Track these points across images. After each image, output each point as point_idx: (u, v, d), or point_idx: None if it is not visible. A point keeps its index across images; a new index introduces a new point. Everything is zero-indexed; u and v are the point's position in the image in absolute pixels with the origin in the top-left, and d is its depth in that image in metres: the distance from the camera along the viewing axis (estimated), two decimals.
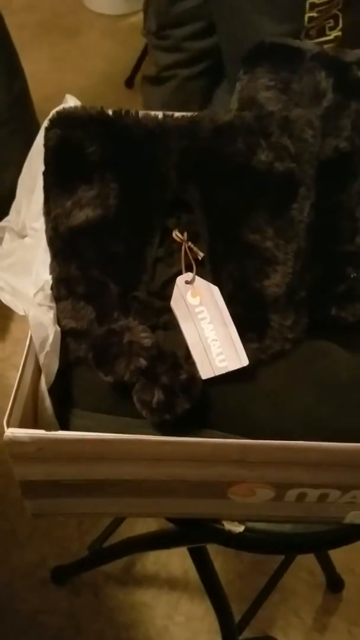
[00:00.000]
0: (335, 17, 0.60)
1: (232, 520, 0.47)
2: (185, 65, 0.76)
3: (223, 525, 0.47)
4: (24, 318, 0.42)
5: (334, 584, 0.91)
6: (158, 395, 0.40)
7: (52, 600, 0.92)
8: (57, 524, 0.97)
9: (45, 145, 0.41)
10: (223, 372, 0.41)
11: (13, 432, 0.37)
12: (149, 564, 0.95)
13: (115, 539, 0.90)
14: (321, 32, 0.62)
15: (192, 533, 0.52)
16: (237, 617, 0.80)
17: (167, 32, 0.75)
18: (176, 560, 0.94)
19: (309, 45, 0.42)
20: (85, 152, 0.39)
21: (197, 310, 0.42)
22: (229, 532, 0.47)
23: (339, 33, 0.62)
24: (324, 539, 0.50)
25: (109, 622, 0.91)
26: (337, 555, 0.89)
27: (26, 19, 1.91)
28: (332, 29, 0.61)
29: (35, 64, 1.70)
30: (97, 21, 1.94)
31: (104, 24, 1.90)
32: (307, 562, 0.91)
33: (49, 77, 1.69)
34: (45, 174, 0.41)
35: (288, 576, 0.86)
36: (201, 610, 0.90)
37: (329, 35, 0.62)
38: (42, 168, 0.41)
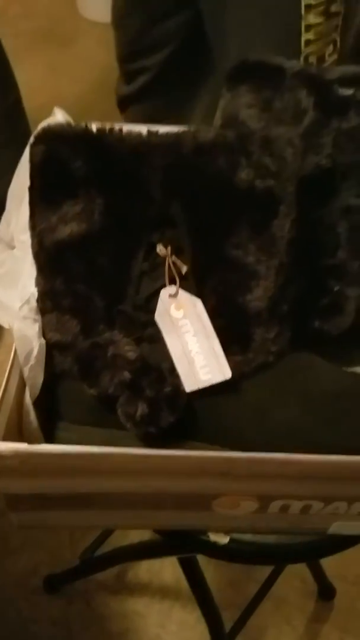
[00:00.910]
0: (334, 43, 0.60)
1: (218, 531, 0.48)
2: (147, 53, 0.70)
3: (209, 536, 0.48)
4: None
5: (326, 591, 0.91)
6: (142, 408, 0.40)
7: (44, 608, 0.92)
8: (49, 532, 0.97)
9: (31, 161, 0.41)
10: (207, 384, 0.42)
11: None
12: (141, 573, 0.95)
13: (107, 547, 0.90)
14: (321, 60, 0.61)
15: (178, 544, 0.52)
16: (228, 625, 0.80)
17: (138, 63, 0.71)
18: (169, 569, 0.95)
19: (290, 63, 0.43)
20: (71, 168, 0.40)
21: (180, 323, 0.42)
22: (215, 544, 0.47)
23: (336, 56, 0.62)
24: (309, 550, 0.50)
25: (101, 630, 0.91)
26: (329, 563, 0.90)
27: (21, 27, 1.92)
28: (331, 55, 0.61)
29: (30, 73, 1.71)
30: (93, 29, 1.95)
31: (99, 32, 1.91)
32: (298, 569, 0.92)
33: (44, 86, 1.70)
34: (30, 189, 0.42)
35: (280, 584, 0.86)
36: (193, 619, 0.90)
37: (328, 61, 0.61)
38: (28, 183, 0.42)
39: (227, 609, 0.78)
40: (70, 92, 1.70)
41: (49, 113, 0.51)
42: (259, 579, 0.86)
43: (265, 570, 0.85)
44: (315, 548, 0.49)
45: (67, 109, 0.52)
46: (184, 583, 0.90)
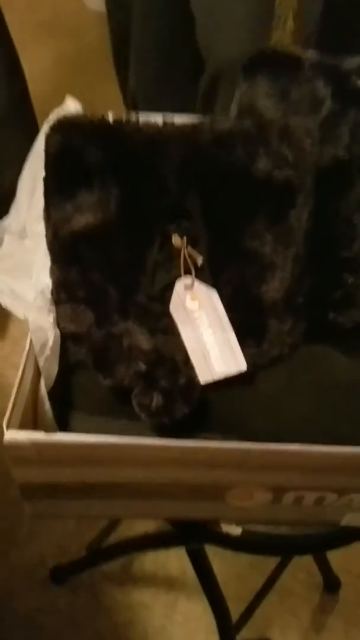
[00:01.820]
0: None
1: (231, 522, 0.48)
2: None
3: (221, 527, 0.48)
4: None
5: (331, 584, 0.92)
6: (157, 399, 0.40)
7: (50, 599, 0.92)
8: (55, 523, 0.97)
9: (46, 151, 0.41)
10: (222, 376, 0.42)
11: (12, 434, 0.37)
12: (147, 564, 0.95)
13: (113, 538, 0.90)
14: None
15: (190, 535, 0.53)
16: (234, 617, 0.80)
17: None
18: (174, 560, 0.95)
19: (308, 53, 0.42)
20: (86, 158, 0.40)
21: (195, 315, 0.42)
22: (227, 535, 0.47)
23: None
24: (321, 541, 0.50)
25: (107, 621, 0.92)
26: (334, 556, 0.90)
27: (27, 18, 1.91)
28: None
29: (36, 64, 1.70)
30: (98, 21, 1.94)
31: (104, 23, 1.90)
32: (304, 562, 0.92)
33: (49, 77, 1.69)
34: (45, 180, 0.42)
35: (285, 576, 0.86)
36: (199, 610, 0.91)
37: None
38: (43, 173, 0.42)
39: (233, 601, 0.78)
40: (75, 83, 1.70)
41: (54, 104, 0.51)
42: (265, 571, 0.86)
43: (271, 563, 0.86)
44: (329, 539, 0.49)
45: (80, 102, 0.52)
46: (189, 574, 0.91)
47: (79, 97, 0.52)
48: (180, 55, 0.75)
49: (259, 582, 0.86)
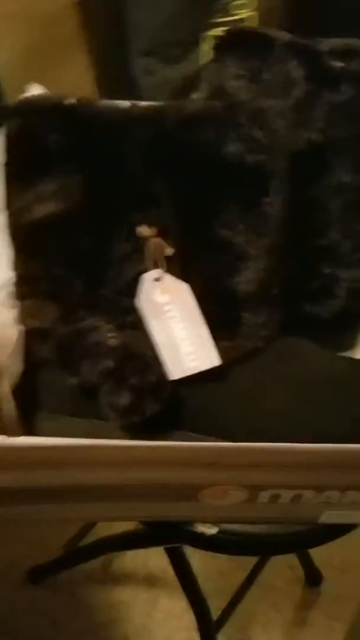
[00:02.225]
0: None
1: (206, 522, 0.46)
2: None
3: (196, 527, 0.46)
4: None
5: (313, 578, 0.91)
6: (126, 398, 0.39)
7: (29, 600, 0.91)
8: (33, 523, 0.95)
9: (6, 135, 0.39)
10: (194, 372, 0.40)
11: None
12: (127, 562, 0.94)
13: (92, 537, 0.89)
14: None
15: (165, 535, 0.51)
16: (217, 613, 0.79)
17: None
18: (154, 558, 0.94)
19: (279, 33, 0.40)
20: (47, 141, 0.38)
21: (166, 308, 0.41)
22: (202, 534, 0.46)
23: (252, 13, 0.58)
24: (299, 540, 0.49)
25: (88, 621, 0.90)
26: (316, 550, 0.89)
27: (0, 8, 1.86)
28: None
29: (9, 54, 1.66)
30: (74, 10, 1.90)
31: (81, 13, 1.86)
32: (286, 557, 0.91)
33: (23, 68, 1.65)
34: (5, 165, 0.39)
35: (267, 571, 0.86)
36: (180, 607, 0.90)
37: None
38: (2, 159, 0.39)
39: (215, 597, 0.78)
40: (50, 75, 1.66)
41: None
42: (247, 566, 0.86)
43: (253, 558, 0.85)
44: (304, 539, 0.48)
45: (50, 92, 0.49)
46: (170, 572, 0.90)
47: (55, 89, 0.50)
48: None
49: (241, 578, 0.85)
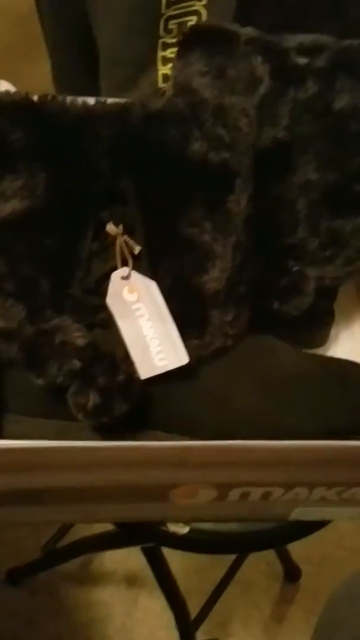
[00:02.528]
0: (198, 14, 0.56)
1: (178, 521, 0.46)
2: None
3: (167, 527, 0.46)
4: None
5: (291, 573, 0.92)
6: (94, 398, 0.38)
7: (8, 601, 0.90)
8: (10, 525, 0.94)
9: None
10: (163, 370, 0.40)
11: None
12: (106, 562, 0.94)
13: (70, 537, 0.88)
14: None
15: (137, 536, 0.51)
16: (195, 611, 0.80)
17: None
18: (134, 557, 0.93)
19: (245, 29, 0.40)
20: (10, 139, 0.37)
21: (134, 307, 0.40)
22: (174, 534, 0.46)
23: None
24: (272, 536, 0.49)
25: (67, 621, 0.90)
26: (294, 545, 0.90)
27: None
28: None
29: None
30: None
31: None
32: (264, 553, 0.92)
33: (2, 64, 1.63)
34: None
35: (245, 568, 0.86)
36: (160, 606, 0.90)
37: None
38: None
39: (193, 594, 0.78)
40: (28, 72, 1.64)
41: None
42: (225, 564, 0.86)
43: (231, 555, 0.85)
44: (279, 535, 0.49)
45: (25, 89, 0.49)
46: (149, 571, 0.90)
47: (34, 86, 0.49)
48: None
49: (219, 575, 0.85)
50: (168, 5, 0.54)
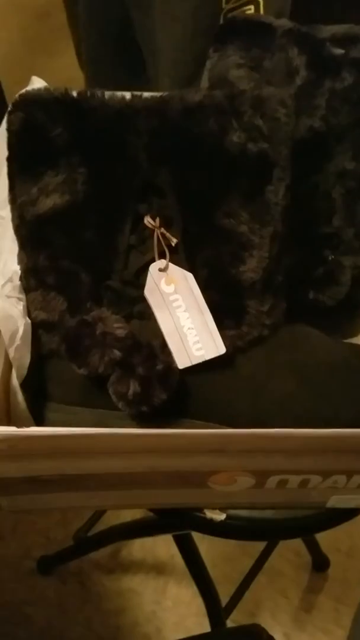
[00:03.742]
0: (256, 3, 0.56)
1: (214, 508, 0.47)
2: None
3: (204, 513, 0.47)
4: None
5: (320, 563, 0.92)
6: (134, 387, 0.39)
7: (39, 590, 0.92)
8: (41, 514, 0.96)
9: (8, 129, 0.39)
10: (200, 360, 0.40)
11: None
12: (135, 551, 0.95)
13: (100, 527, 0.90)
14: None
15: (174, 522, 0.52)
16: (224, 600, 0.80)
17: None
18: (162, 546, 0.94)
19: (280, 21, 0.40)
20: (51, 135, 0.38)
21: (171, 298, 0.41)
22: (211, 520, 0.47)
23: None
24: (307, 524, 0.49)
25: (97, 609, 0.91)
26: (323, 535, 0.90)
27: None
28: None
29: (5, 46, 1.65)
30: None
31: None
32: (292, 543, 0.92)
33: (20, 60, 1.64)
34: (9, 159, 0.39)
35: (274, 558, 0.87)
36: (189, 595, 0.91)
37: None
38: (6, 153, 0.40)
39: (222, 583, 0.78)
40: (47, 66, 1.65)
41: (24, 87, 0.48)
42: (253, 553, 0.86)
43: (260, 545, 0.86)
44: (312, 523, 0.49)
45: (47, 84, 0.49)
46: (178, 559, 0.91)
47: (52, 80, 0.50)
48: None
49: (247, 564, 0.86)
50: (227, 0, 0.54)
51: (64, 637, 0.88)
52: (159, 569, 0.94)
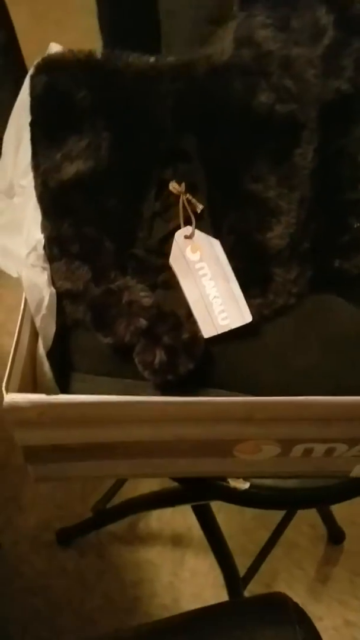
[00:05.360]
0: None
1: (239, 477, 0.47)
2: None
3: (228, 482, 0.47)
4: (17, 285, 0.41)
5: (335, 536, 0.93)
6: (160, 356, 0.39)
7: (58, 562, 0.93)
8: (59, 487, 0.97)
9: (31, 94, 0.38)
10: (226, 329, 0.40)
11: (13, 397, 0.36)
12: (152, 522, 0.96)
13: (118, 499, 0.91)
14: None
15: (197, 491, 0.52)
16: (241, 571, 0.81)
17: None
18: (180, 518, 0.96)
19: None
20: (74, 99, 0.37)
21: (197, 266, 0.40)
22: (234, 489, 0.47)
23: None
24: (329, 494, 0.50)
25: (115, 580, 0.93)
26: (338, 508, 0.91)
27: None
28: None
29: (15, 21, 1.62)
30: None
31: None
32: (308, 515, 0.93)
33: (31, 34, 1.61)
34: (32, 125, 0.39)
35: (290, 530, 0.87)
36: (206, 566, 0.92)
37: None
38: (29, 119, 0.39)
39: (239, 555, 0.79)
40: (57, 40, 1.62)
41: None
42: (270, 525, 0.87)
43: (276, 517, 0.86)
44: (337, 491, 0.49)
45: None
46: (195, 531, 0.92)
47: None
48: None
49: (264, 536, 0.87)
50: None
51: (83, 608, 0.90)
52: (176, 540, 0.95)
